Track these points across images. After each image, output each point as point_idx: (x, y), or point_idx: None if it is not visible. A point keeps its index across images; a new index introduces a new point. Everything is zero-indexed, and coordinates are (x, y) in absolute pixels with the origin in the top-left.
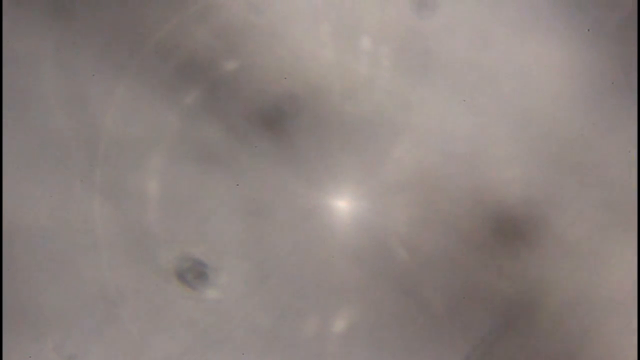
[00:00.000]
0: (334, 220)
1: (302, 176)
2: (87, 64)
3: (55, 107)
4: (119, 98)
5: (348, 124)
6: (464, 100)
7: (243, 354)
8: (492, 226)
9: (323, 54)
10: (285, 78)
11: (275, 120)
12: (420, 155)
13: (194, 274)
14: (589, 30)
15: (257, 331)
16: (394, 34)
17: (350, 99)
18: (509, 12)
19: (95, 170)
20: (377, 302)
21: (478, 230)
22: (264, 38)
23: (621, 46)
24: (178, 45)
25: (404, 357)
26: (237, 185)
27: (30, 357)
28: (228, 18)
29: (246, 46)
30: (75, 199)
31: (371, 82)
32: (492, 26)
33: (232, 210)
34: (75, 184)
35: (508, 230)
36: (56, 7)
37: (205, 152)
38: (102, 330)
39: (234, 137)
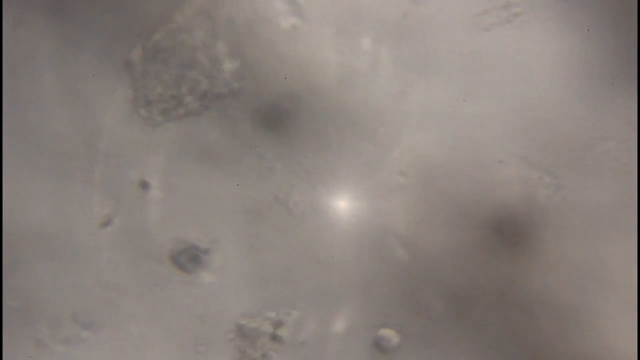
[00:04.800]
0: (334, 220)
1: (302, 176)
2: (87, 64)
3: (55, 107)
4: (119, 98)
5: (348, 123)
6: (464, 100)
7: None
8: (492, 226)
9: (323, 54)
10: (285, 78)
11: (275, 120)
12: (421, 155)
13: (190, 262)
14: (588, 30)
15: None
16: (394, 32)
17: (350, 99)
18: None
19: (95, 170)
20: (377, 302)
21: (478, 230)
22: (264, 38)
23: (621, 45)
24: (178, 45)
25: (403, 357)
26: (237, 185)
27: (30, 357)
28: (228, 18)
29: (246, 46)
30: (75, 199)
31: (371, 82)
32: (491, 22)
33: (232, 210)
34: (75, 184)
35: (508, 230)
36: (56, 7)
37: (205, 152)
38: (101, 329)
39: (234, 137)
